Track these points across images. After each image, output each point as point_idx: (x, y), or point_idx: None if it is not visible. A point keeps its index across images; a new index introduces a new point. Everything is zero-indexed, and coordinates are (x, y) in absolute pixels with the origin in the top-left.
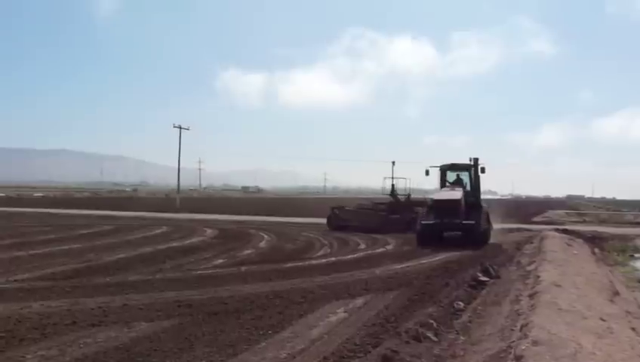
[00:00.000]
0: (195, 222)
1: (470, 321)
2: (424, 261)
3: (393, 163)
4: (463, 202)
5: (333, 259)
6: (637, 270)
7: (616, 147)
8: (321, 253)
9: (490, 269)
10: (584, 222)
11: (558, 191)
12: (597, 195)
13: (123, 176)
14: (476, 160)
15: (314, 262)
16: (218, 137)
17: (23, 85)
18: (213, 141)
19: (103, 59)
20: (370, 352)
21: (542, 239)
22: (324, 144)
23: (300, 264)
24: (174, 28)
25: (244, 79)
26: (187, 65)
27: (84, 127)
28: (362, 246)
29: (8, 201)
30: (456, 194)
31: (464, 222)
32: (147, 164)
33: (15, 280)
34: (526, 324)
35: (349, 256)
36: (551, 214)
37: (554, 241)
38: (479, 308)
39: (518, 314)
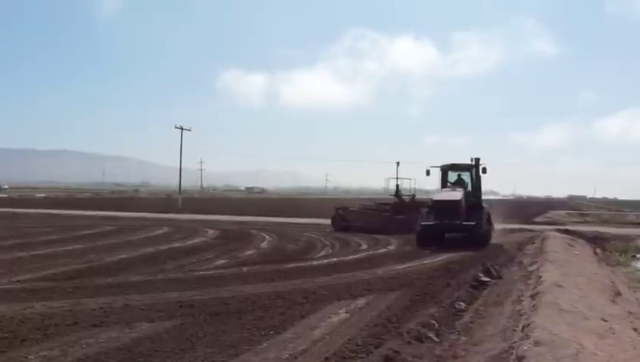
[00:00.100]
0: (196, 223)
1: (472, 322)
2: (426, 261)
3: (398, 163)
4: (463, 203)
5: (334, 259)
6: (639, 270)
7: (618, 147)
8: (322, 253)
9: (492, 270)
10: (586, 222)
11: (559, 192)
12: (599, 195)
13: (125, 177)
14: (477, 160)
15: (315, 262)
16: (219, 138)
17: (24, 85)
18: (215, 141)
19: (104, 60)
20: (372, 353)
21: (543, 239)
22: (325, 144)
23: (302, 264)
24: (175, 28)
25: (245, 79)
26: (188, 66)
27: (85, 128)
28: (364, 246)
29: (10, 202)
30: (457, 194)
31: (464, 223)
32: (149, 165)
33: (17, 281)
34: (528, 325)
35: (351, 257)
36: (552, 214)
37: (555, 242)
38: (481, 308)
39: (520, 315)
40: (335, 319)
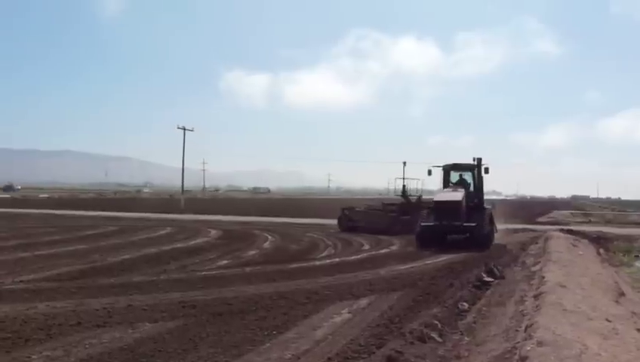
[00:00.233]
0: (199, 223)
1: (475, 322)
2: (428, 262)
3: (404, 163)
4: (464, 203)
5: (337, 259)
6: None
7: (622, 147)
8: (325, 253)
9: (495, 270)
10: (589, 222)
11: (563, 192)
12: (602, 195)
13: (128, 177)
14: (479, 160)
15: (318, 262)
16: (222, 138)
17: (27, 86)
18: (218, 142)
19: (107, 60)
20: (374, 353)
21: (547, 239)
22: (328, 144)
23: (305, 265)
24: (179, 29)
25: (248, 80)
26: (192, 66)
27: (89, 128)
28: (366, 247)
29: (13, 202)
30: (457, 195)
31: (465, 224)
32: (152, 165)
33: (21, 281)
34: (531, 325)
35: (353, 257)
36: (556, 214)
37: (559, 242)
38: (484, 308)
39: (523, 315)
40: (337, 319)
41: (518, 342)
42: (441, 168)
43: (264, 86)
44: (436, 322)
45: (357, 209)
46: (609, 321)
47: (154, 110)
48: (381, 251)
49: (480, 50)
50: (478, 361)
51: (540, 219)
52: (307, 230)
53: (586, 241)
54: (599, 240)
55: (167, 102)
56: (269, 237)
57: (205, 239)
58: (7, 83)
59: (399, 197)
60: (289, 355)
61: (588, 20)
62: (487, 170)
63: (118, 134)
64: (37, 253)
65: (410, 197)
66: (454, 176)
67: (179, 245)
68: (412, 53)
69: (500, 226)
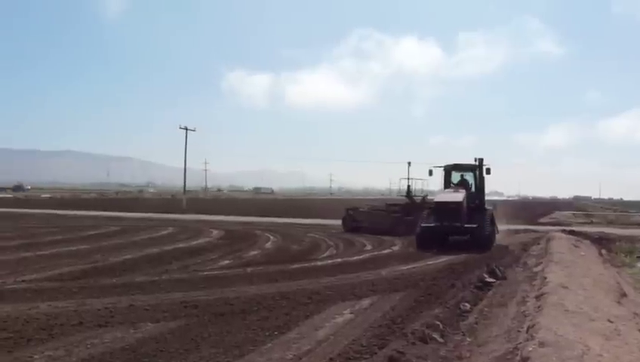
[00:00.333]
0: (201, 223)
1: (476, 323)
2: (430, 262)
3: (409, 164)
4: (465, 204)
5: (339, 260)
6: None
7: (624, 147)
8: (327, 254)
9: (497, 270)
10: (591, 223)
11: (564, 192)
12: (604, 196)
13: (130, 178)
14: (481, 160)
15: (320, 263)
16: (224, 138)
17: (29, 86)
18: (219, 142)
19: (109, 60)
20: (376, 353)
21: (548, 240)
22: (330, 145)
23: (306, 265)
24: (180, 28)
25: (250, 80)
26: (193, 66)
27: (90, 128)
28: (368, 247)
29: (16, 202)
30: (458, 196)
31: (466, 225)
32: (154, 165)
33: (23, 281)
34: (532, 326)
35: (355, 258)
36: (558, 215)
37: (561, 242)
38: (485, 309)
39: (525, 316)
40: (339, 319)
41: (520, 343)
42: (442, 168)
43: (266, 86)
44: (438, 323)
45: (361, 209)
46: (611, 322)
47: (155, 110)
48: (383, 251)
49: (481, 50)
50: None
51: (542, 220)
52: (309, 230)
53: (588, 242)
54: (601, 241)
55: (169, 102)
56: (271, 237)
57: (207, 239)
58: (8, 83)
59: (403, 198)
60: (291, 355)
61: (589, 20)
62: (488, 171)
63: (120, 134)
64: (39, 252)
65: (415, 198)
66: (455, 177)
67: (181, 245)
68: (414, 54)
69: (501, 227)
